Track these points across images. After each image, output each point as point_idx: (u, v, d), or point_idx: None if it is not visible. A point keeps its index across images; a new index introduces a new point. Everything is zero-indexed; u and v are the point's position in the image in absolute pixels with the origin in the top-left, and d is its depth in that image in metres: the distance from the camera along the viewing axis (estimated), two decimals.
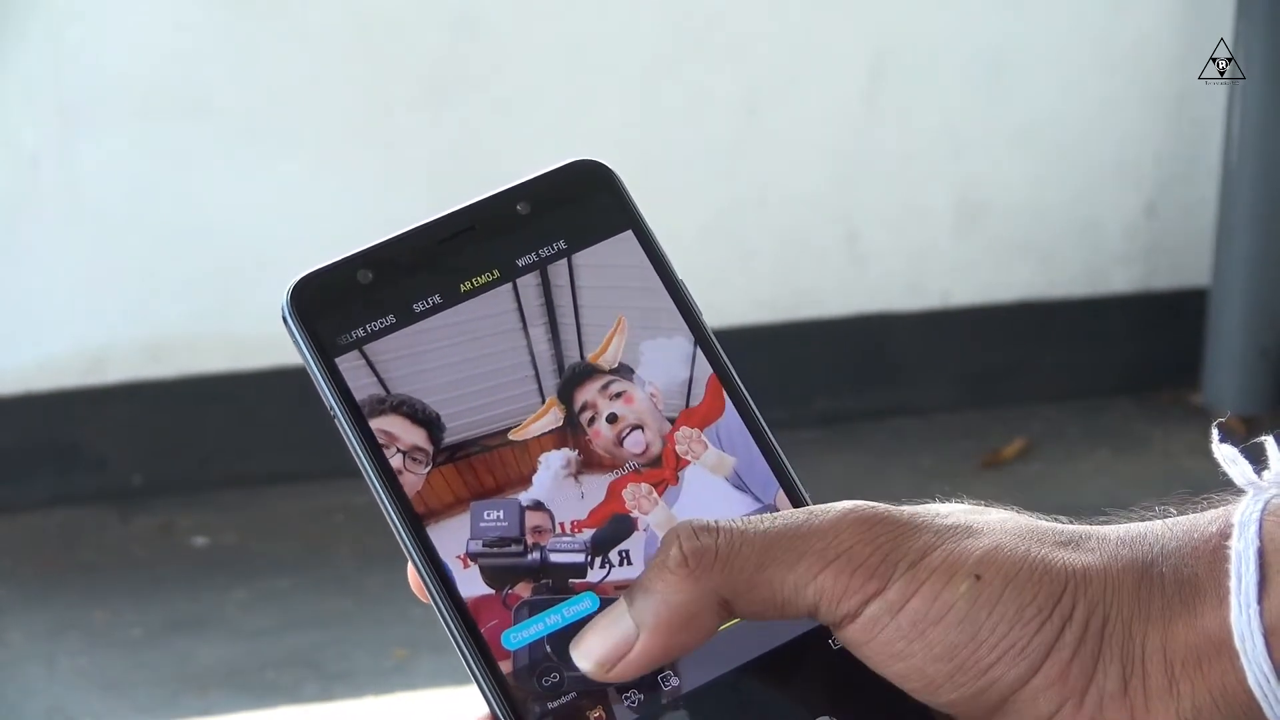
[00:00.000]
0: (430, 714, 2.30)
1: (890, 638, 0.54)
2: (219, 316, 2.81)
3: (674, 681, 0.56)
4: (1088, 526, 0.57)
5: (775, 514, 0.56)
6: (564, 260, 0.59)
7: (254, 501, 2.81)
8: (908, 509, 0.56)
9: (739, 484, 0.59)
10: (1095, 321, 3.08)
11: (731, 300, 2.90)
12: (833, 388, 2.99)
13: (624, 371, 0.59)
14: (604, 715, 0.56)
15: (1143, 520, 0.57)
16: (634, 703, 0.56)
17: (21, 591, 2.62)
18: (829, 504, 0.56)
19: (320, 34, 2.75)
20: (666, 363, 0.59)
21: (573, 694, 0.56)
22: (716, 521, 0.55)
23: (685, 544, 0.54)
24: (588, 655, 0.55)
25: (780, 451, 0.59)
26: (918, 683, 0.54)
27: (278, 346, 2.79)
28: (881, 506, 0.56)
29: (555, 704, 0.56)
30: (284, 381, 2.77)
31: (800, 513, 0.55)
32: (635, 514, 0.57)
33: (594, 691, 0.56)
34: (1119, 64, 2.98)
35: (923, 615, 0.54)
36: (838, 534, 0.55)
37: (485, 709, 0.56)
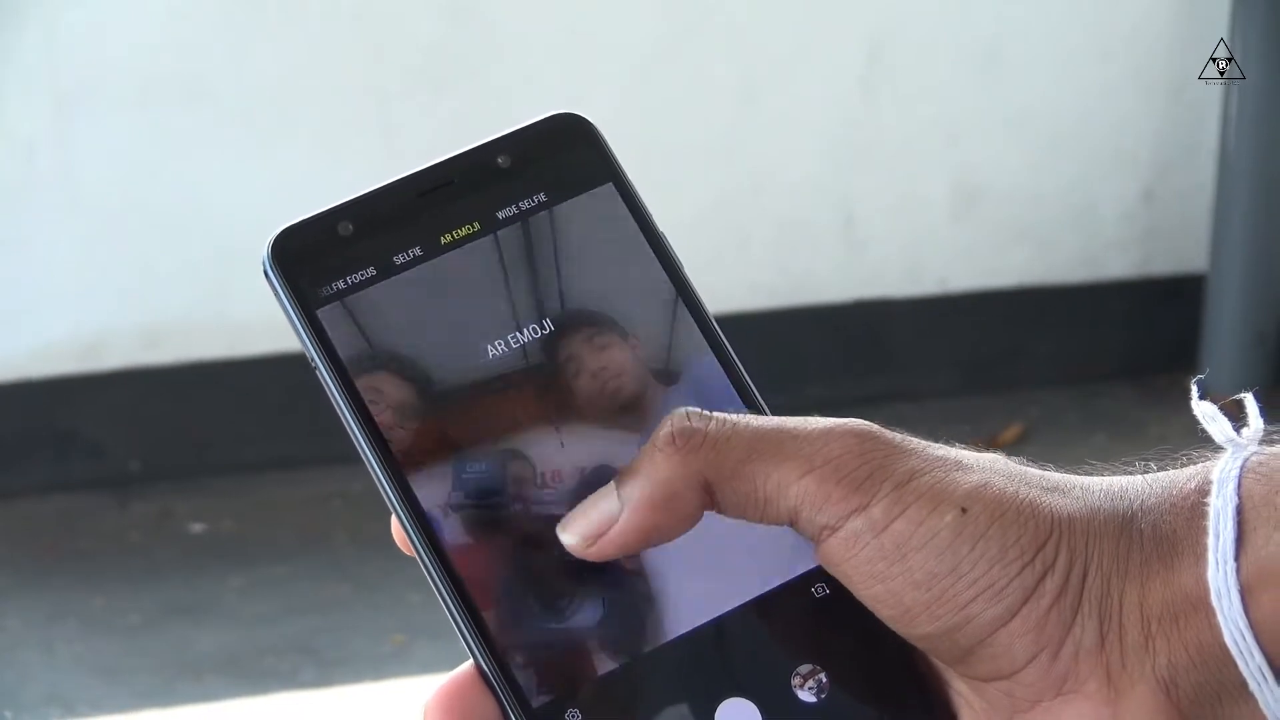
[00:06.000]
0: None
1: (871, 556, 0.54)
2: (216, 302, 2.81)
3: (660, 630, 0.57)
4: (1072, 476, 0.56)
5: (769, 416, 0.56)
6: (544, 213, 0.59)
7: (251, 488, 2.81)
8: (900, 434, 0.56)
9: None
10: (1092, 307, 3.08)
11: (728, 285, 2.90)
12: (829, 373, 2.99)
13: (606, 323, 0.59)
14: (587, 662, 0.56)
15: (1124, 475, 0.57)
16: (616, 649, 0.56)
17: (19, 578, 2.62)
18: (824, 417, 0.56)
19: (316, 21, 2.75)
20: (648, 314, 0.59)
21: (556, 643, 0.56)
22: (710, 411, 0.55)
23: (675, 425, 0.55)
24: (572, 531, 0.55)
25: (765, 408, 0.59)
26: (894, 610, 0.54)
27: (275, 332, 2.79)
28: (876, 426, 0.56)
29: (539, 651, 0.56)
30: (281, 368, 2.77)
31: (795, 419, 0.56)
32: (617, 465, 0.57)
33: (576, 640, 0.56)
34: (1115, 49, 2.98)
35: (906, 539, 0.53)
36: (827, 442, 0.55)
37: (471, 661, 0.55)
